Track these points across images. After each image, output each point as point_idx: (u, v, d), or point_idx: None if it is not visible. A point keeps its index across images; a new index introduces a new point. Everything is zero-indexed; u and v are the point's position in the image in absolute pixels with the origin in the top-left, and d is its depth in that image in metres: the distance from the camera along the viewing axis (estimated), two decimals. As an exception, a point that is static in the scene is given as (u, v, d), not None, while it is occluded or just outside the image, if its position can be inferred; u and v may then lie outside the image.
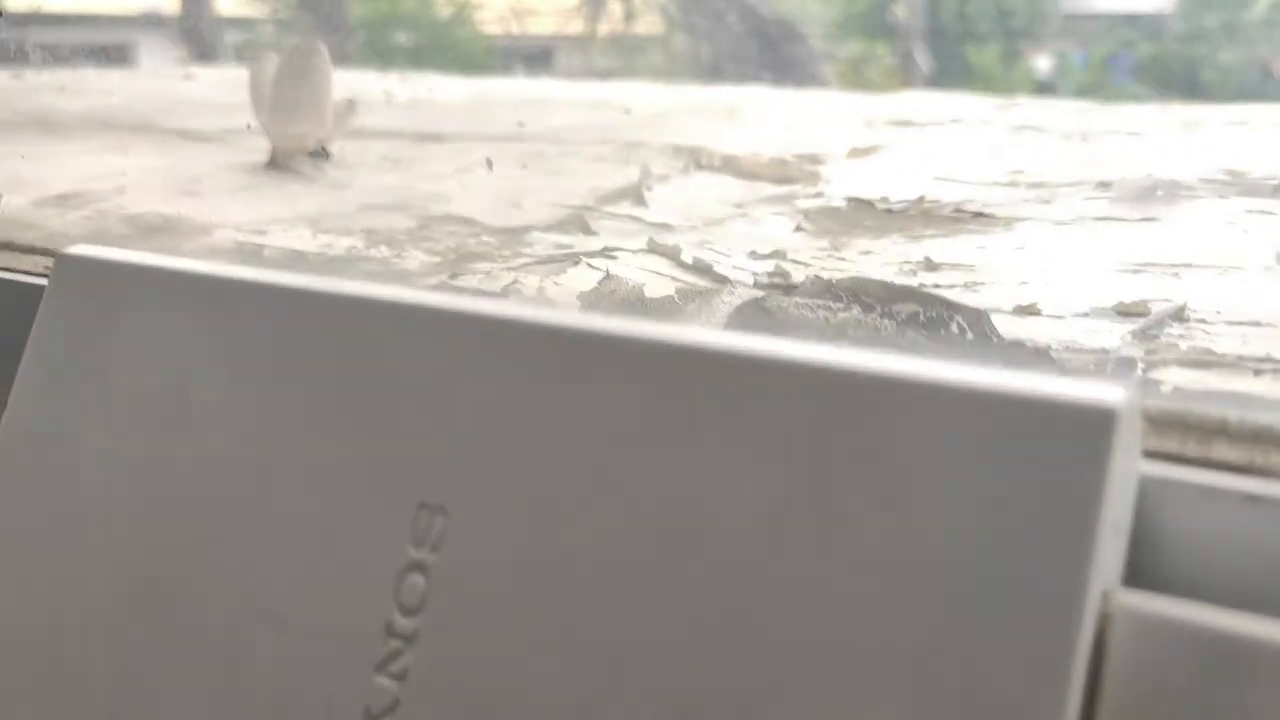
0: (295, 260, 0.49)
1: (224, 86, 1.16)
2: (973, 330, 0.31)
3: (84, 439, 0.29)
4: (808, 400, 0.21)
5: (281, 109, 0.64)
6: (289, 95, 0.63)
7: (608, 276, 0.39)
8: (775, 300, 0.34)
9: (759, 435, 0.21)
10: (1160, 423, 0.22)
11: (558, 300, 0.40)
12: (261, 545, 0.25)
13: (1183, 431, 0.22)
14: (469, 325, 0.25)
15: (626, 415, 0.23)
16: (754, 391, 0.22)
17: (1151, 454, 0.21)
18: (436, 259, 0.49)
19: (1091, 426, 0.19)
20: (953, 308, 0.32)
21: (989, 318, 0.31)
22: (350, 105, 0.68)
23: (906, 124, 0.91)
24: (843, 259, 0.49)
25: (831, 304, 0.34)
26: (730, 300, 0.34)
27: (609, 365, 0.23)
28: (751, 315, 0.34)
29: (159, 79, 1.27)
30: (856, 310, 0.33)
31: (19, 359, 0.36)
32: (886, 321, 0.32)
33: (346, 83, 1.16)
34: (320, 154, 0.67)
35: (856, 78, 1.35)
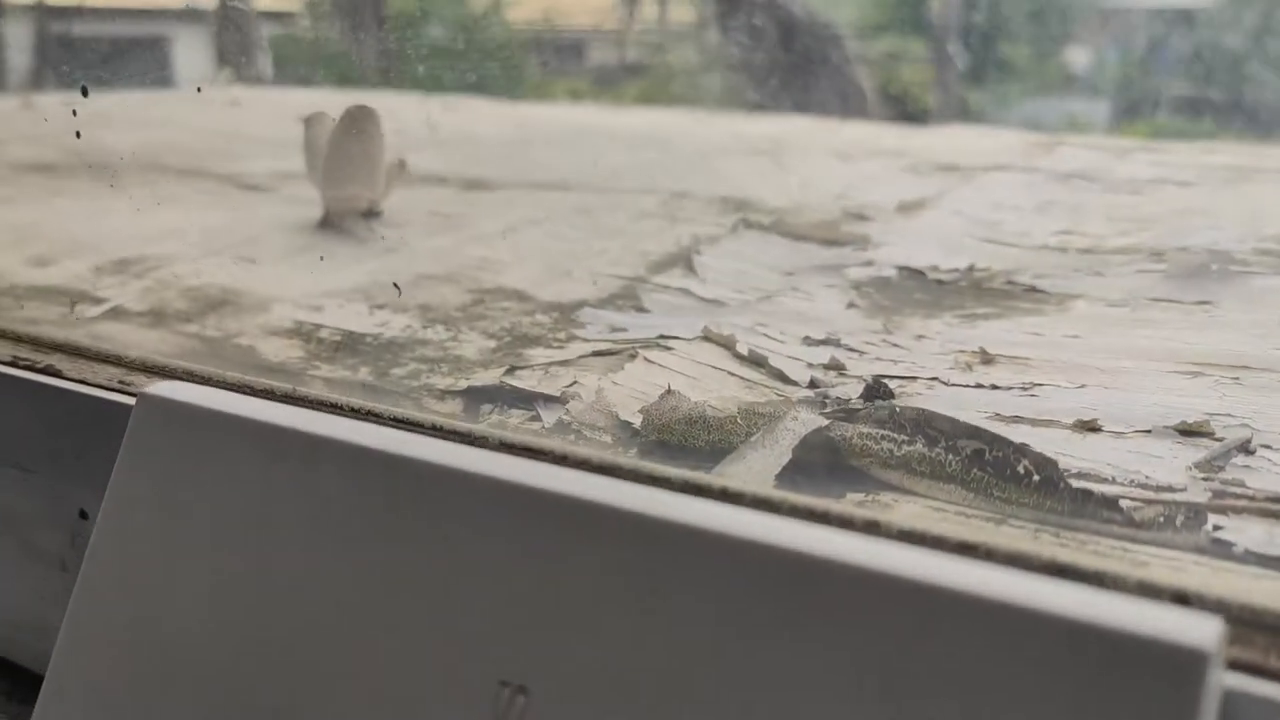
0: (353, 344, 0.50)
1: (270, 113, 1.17)
2: (1039, 473, 0.31)
3: (163, 582, 0.30)
4: (899, 614, 0.21)
5: (335, 173, 0.65)
6: (343, 160, 0.64)
7: (669, 392, 0.39)
8: (839, 429, 0.35)
9: (841, 643, 0.21)
10: (1239, 621, 0.22)
11: (617, 405, 0.41)
12: (340, 711, 0.26)
13: (1262, 636, 0.22)
14: (555, 506, 0.25)
15: (710, 607, 0.23)
16: (838, 599, 0.22)
17: (1233, 663, 0.22)
18: (492, 343, 0.50)
19: (1184, 669, 0.19)
20: (1020, 451, 0.32)
21: (1058, 466, 0.31)
22: (401, 165, 0.68)
23: (952, 169, 0.91)
24: (897, 345, 0.49)
25: (895, 435, 0.34)
26: (794, 427, 0.35)
27: (695, 558, 0.23)
28: (816, 446, 0.34)
29: (206, 105, 1.28)
30: (921, 443, 0.33)
31: (94, 472, 0.37)
32: (951, 457, 0.33)
33: (390, 109, 1.17)
34: (372, 214, 0.68)
35: (891, 76, 1.34)
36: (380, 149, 0.65)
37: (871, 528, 0.26)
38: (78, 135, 0.44)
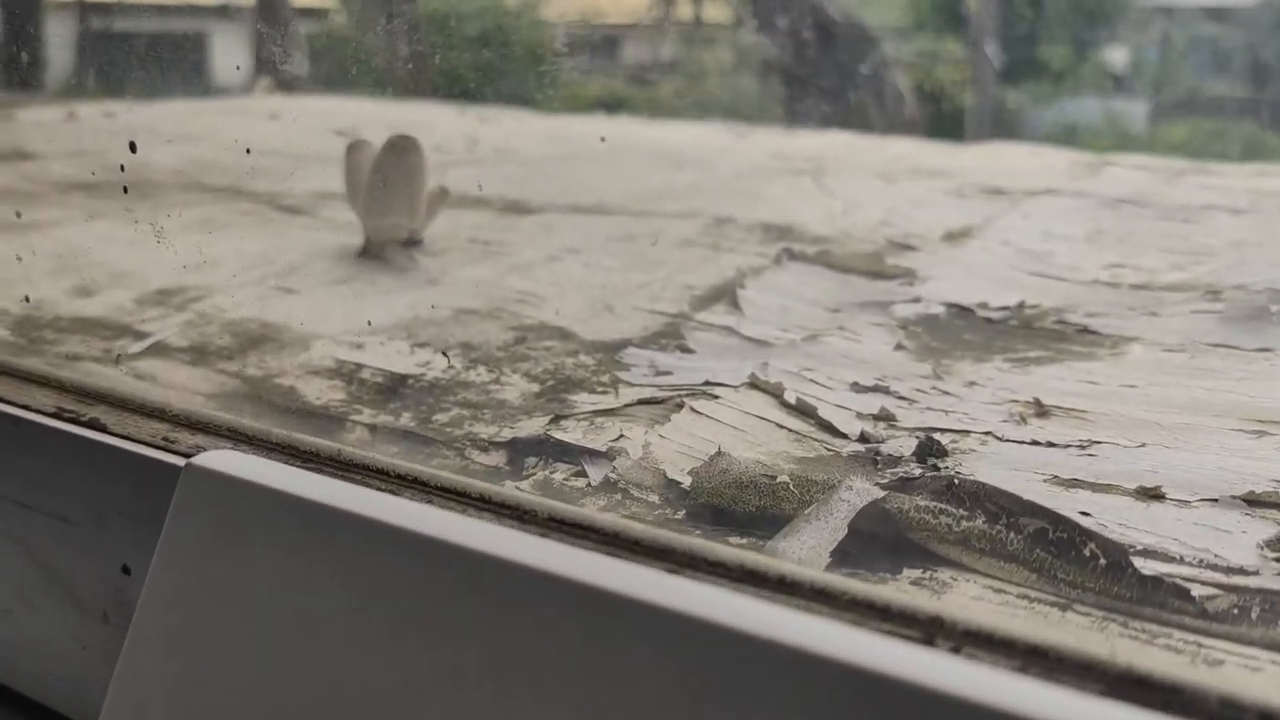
0: (395, 386, 0.49)
1: (308, 126, 1.17)
2: (1106, 557, 0.30)
3: (209, 650, 0.29)
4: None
5: (377, 203, 0.64)
6: (385, 190, 0.64)
7: (719, 454, 0.38)
8: (895, 500, 0.34)
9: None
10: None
11: (664, 462, 0.40)
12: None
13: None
14: (607, 604, 0.24)
15: (765, 716, 0.22)
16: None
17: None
18: (535, 386, 0.49)
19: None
20: (1086, 534, 0.31)
21: (1127, 552, 0.30)
22: (443, 193, 0.68)
23: (997, 193, 0.89)
24: (947, 392, 0.48)
25: (953, 509, 0.33)
26: (849, 498, 0.34)
27: (752, 665, 0.23)
28: (874, 520, 0.33)
29: (244, 117, 1.28)
30: (981, 519, 0.32)
31: (138, 529, 0.37)
32: (1013, 535, 0.32)
33: (428, 122, 1.17)
34: (412, 242, 0.67)
35: (926, 75, 1.33)
36: (423, 179, 0.65)
37: (935, 626, 0.25)
38: (126, 182, 0.44)
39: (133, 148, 0.43)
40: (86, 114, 1.26)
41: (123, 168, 0.45)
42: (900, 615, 0.26)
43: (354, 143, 0.67)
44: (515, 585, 0.25)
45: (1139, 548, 0.33)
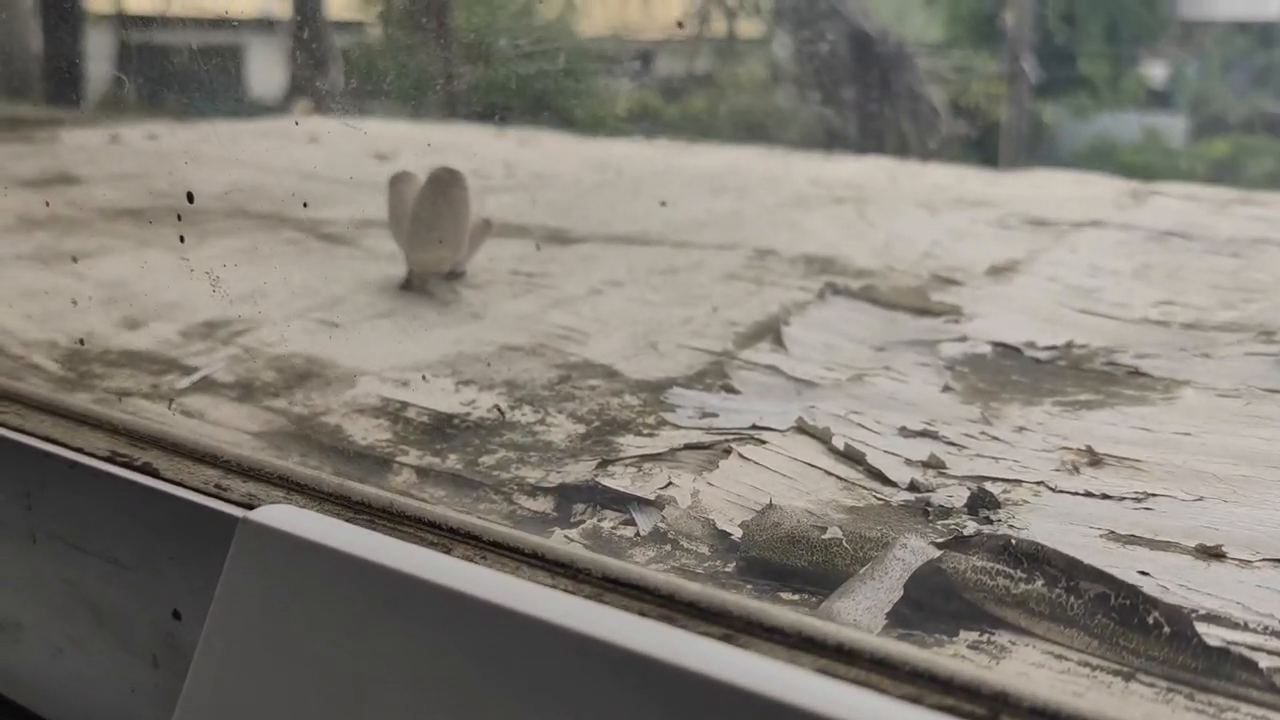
0: (441, 426, 0.49)
1: (348, 150, 1.17)
2: (1170, 626, 0.29)
3: (265, 705, 0.29)
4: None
5: (420, 237, 0.65)
6: (428, 224, 0.64)
7: (770, 506, 0.38)
8: (952, 560, 0.33)
9: None
10: None
11: (713, 511, 0.40)
12: None
13: None
14: (665, 676, 0.24)
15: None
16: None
17: None
18: (581, 427, 0.49)
19: None
20: (1150, 602, 0.30)
21: (1192, 622, 0.30)
22: (486, 225, 0.68)
23: (1041, 224, 0.89)
24: (997, 438, 0.48)
25: (1011, 570, 0.32)
26: (904, 557, 0.33)
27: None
28: (929, 580, 0.32)
29: (285, 140, 1.30)
30: (1040, 582, 0.32)
31: (190, 575, 0.37)
32: (1073, 599, 0.31)
33: (467, 145, 1.17)
34: (455, 274, 0.68)
35: (963, 90, 1.32)
36: (466, 211, 0.65)
37: (999, 703, 0.25)
38: (181, 229, 0.44)
39: (190, 198, 0.44)
40: (129, 136, 1.27)
41: (179, 217, 0.45)
42: (963, 690, 0.26)
43: (398, 174, 0.68)
44: (567, 651, 0.25)
45: (1202, 612, 0.32)
